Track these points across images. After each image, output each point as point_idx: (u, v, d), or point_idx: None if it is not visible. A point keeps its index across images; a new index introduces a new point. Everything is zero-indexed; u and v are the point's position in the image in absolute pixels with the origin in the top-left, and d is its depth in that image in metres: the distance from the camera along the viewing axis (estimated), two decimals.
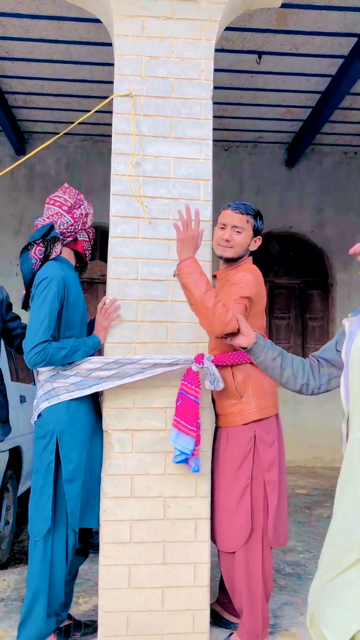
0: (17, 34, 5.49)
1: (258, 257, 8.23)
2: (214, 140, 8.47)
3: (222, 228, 2.71)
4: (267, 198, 8.02)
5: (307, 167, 8.08)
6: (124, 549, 2.51)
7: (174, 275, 2.37)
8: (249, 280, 2.54)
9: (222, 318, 2.08)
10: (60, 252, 2.53)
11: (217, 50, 5.64)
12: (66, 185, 2.71)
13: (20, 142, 7.66)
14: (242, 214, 2.69)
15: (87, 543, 2.66)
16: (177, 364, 2.48)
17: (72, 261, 2.66)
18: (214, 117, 6.89)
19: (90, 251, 2.77)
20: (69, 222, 2.57)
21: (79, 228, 2.61)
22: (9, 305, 2.92)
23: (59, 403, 2.45)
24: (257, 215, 2.74)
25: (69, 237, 2.60)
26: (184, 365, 2.48)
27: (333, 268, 8.12)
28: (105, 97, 6.58)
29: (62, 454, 2.42)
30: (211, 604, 2.75)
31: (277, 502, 2.56)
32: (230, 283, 2.58)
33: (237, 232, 2.67)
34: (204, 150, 2.71)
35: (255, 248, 2.77)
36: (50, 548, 2.41)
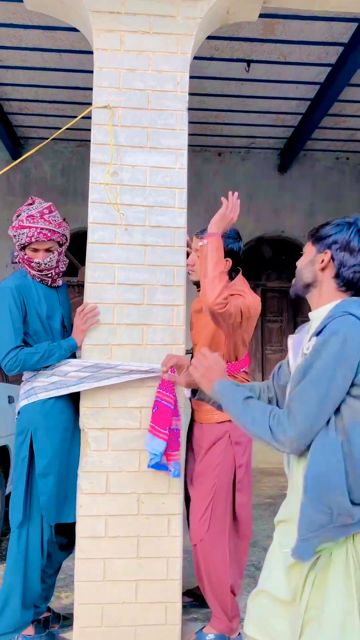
0: (10, 44, 5.61)
1: (251, 261, 8.30)
2: (207, 146, 8.61)
3: (190, 254, 2.85)
4: (260, 203, 8.13)
5: (299, 172, 8.18)
6: (99, 544, 2.61)
7: (200, 241, 2.55)
8: (244, 301, 2.61)
9: (220, 296, 2.38)
10: (20, 264, 2.70)
11: (206, 58, 5.78)
12: (36, 204, 2.76)
13: (17, 147, 7.78)
14: (198, 238, 2.76)
15: (72, 539, 2.72)
16: (153, 372, 2.59)
17: (30, 272, 2.72)
18: (207, 123, 7.09)
19: (32, 268, 2.72)
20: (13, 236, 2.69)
21: (20, 242, 2.66)
22: None
23: (36, 401, 2.56)
24: (223, 236, 2.65)
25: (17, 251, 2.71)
26: (156, 374, 2.59)
27: None
28: None
29: (36, 450, 2.54)
30: (194, 589, 2.89)
31: (245, 496, 2.67)
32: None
33: (197, 256, 2.74)
34: (179, 160, 2.81)
35: (226, 269, 2.68)
36: (25, 540, 2.52)
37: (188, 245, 2.90)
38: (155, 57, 2.85)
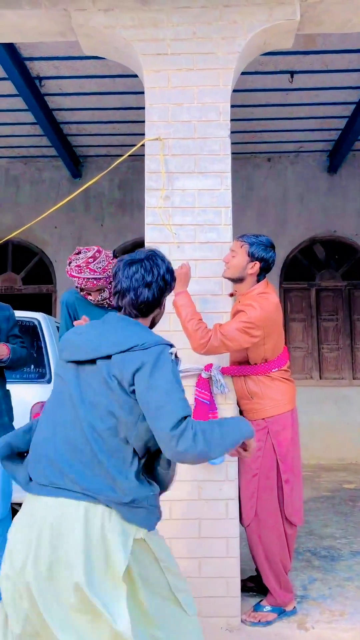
0: (68, 73, 6.09)
1: (304, 261, 8.59)
2: (256, 153, 8.89)
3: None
4: (311, 204, 8.32)
5: (349, 172, 8.30)
6: (165, 525, 2.95)
7: (173, 305, 2.87)
8: (253, 314, 2.83)
9: (198, 339, 2.75)
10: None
11: (252, 73, 6.06)
12: (82, 254, 3.16)
13: (76, 166, 8.30)
14: (237, 240, 3.02)
15: None
16: (189, 372, 2.94)
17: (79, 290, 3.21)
18: (255, 131, 7.35)
19: (89, 290, 3.18)
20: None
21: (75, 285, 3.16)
22: (15, 323, 3.29)
23: None
24: (255, 243, 2.97)
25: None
26: (195, 372, 2.93)
27: None
28: None
29: None
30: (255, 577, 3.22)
31: (291, 486, 2.94)
32: (239, 309, 2.93)
33: (232, 255, 2.99)
34: (224, 182, 3.13)
35: (253, 272, 2.98)
36: None
37: None
38: (199, 91, 3.19)
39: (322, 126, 7.40)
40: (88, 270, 3.04)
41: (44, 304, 8.45)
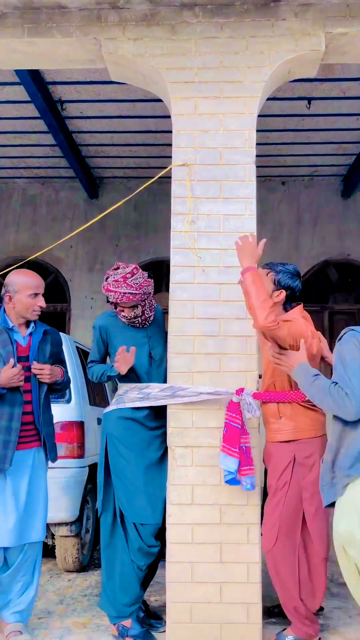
0: (89, 97, 6.21)
1: (317, 284, 8.57)
2: (271, 176, 8.96)
3: None
4: (325, 228, 8.37)
5: None
6: (186, 549, 2.96)
7: (238, 283, 2.83)
8: (290, 326, 2.83)
9: (267, 316, 2.66)
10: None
11: (268, 99, 6.14)
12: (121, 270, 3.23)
13: (93, 187, 8.40)
14: (263, 268, 3.05)
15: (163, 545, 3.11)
16: (219, 394, 2.96)
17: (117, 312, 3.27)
18: (271, 156, 7.44)
19: (123, 305, 3.20)
20: None
21: (110, 300, 3.23)
22: (61, 349, 3.38)
23: (115, 409, 3.17)
24: (283, 272, 3.01)
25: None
26: (224, 396, 2.95)
27: None
28: (168, 145, 7.19)
29: (109, 452, 3.14)
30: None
31: (320, 517, 2.90)
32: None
33: None
34: (249, 207, 3.18)
35: (279, 300, 3.01)
36: (108, 532, 3.17)
37: None
38: (225, 118, 3.25)
39: (337, 151, 7.48)
40: (125, 285, 3.09)
41: (58, 323, 8.49)
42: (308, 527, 2.92)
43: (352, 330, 2.30)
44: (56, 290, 8.65)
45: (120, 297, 3.10)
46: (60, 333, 4.49)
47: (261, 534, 2.99)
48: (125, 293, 3.08)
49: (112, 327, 3.23)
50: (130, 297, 3.09)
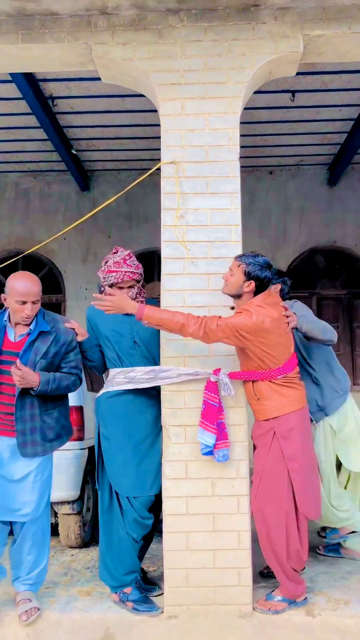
0: (79, 93, 6.37)
1: (305, 271, 8.86)
2: (259, 166, 9.16)
3: None
4: (312, 215, 8.59)
5: (348, 184, 8.57)
6: (182, 519, 3.20)
7: (145, 324, 3.09)
8: (245, 316, 3.05)
9: (192, 324, 3.02)
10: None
11: (255, 92, 6.32)
12: (120, 252, 3.45)
13: (84, 179, 8.57)
14: (235, 259, 3.19)
15: (157, 518, 3.39)
16: (198, 374, 3.20)
17: None
18: (258, 146, 7.63)
19: (123, 285, 3.38)
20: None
21: (108, 282, 3.38)
22: (72, 349, 3.37)
23: (104, 392, 3.40)
24: (252, 263, 3.14)
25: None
26: (203, 376, 3.18)
27: None
28: (156, 138, 7.36)
29: (101, 432, 3.40)
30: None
31: (303, 484, 3.16)
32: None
33: (230, 274, 3.18)
34: (234, 202, 3.39)
35: (248, 290, 3.16)
36: (107, 506, 3.39)
37: None
38: (210, 118, 3.45)
39: (322, 141, 7.68)
40: (126, 265, 3.35)
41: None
42: (295, 494, 3.17)
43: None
44: (51, 281, 8.84)
45: (122, 275, 3.32)
46: None
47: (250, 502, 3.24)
48: (126, 272, 3.33)
49: (98, 316, 3.39)
50: (131, 276, 3.34)
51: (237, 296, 3.23)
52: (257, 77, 3.57)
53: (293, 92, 6.30)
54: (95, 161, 8.37)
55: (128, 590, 3.26)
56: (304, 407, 3.24)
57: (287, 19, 3.48)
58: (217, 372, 3.19)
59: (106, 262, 3.41)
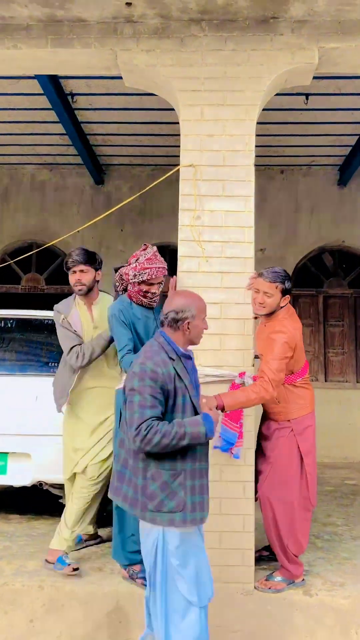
0: (99, 91, 6.55)
1: (313, 270, 9.04)
2: (270, 165, 9.29)
3: (256, 292, 3.38)
4: (321, 215, 8.75)
5: (358, 185, 8.72)
6: None
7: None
8: (283, 340, 3.23)
9: (266, 396, 3.09)
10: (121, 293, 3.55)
11: None
12: (149, 249, 3.50)
13: (99, 173, 8.75)
14: (270, 282, 3.32)
15: None
16: (224, 376, 3.39)
17: (132, 299, 3.51)
18: (270, 146, 7.79)
19: (145, 297, 3.46)
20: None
21: (140, 279, 3.41)
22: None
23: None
24: (284, 279, 3.34)
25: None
26: (229, 378, 3.37)
27: None
28: (171, 135, 7.54)
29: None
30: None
31: (313, 476, 3.40)
32: (270, 337, 3.29)
33: (268, 296, 3.33)
34: (248, 205, 3.58)
35: (285, 304, 3.42)
36: None
37: None
38: (228, 124, 3.64)
39: (334, 143, 7.83)
40: (157, 260, 3.41)
41: None
42: (308, 485, 3.40)
43: None
44: (64, 272, 9.01)
45: (155, 272, 3.36)
46: None
47: (256, 490, 3.45)
48: (159, 267, 3.38)
49: (125, 310, 3.49)
50: (163, 272, 3.40)
51: (269, 314, 3.39)
52: (273, 85, 3.75)
53: (307, 95, 6.45)
54: (110, 156, 8.55)
55: (138, 567, 3.47)
56: (314, 410, 3.49)
57: (303, 32, 3.65)
58: (242, 374, 3.37)
59: (137, 260, 3.43)
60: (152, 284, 3.45)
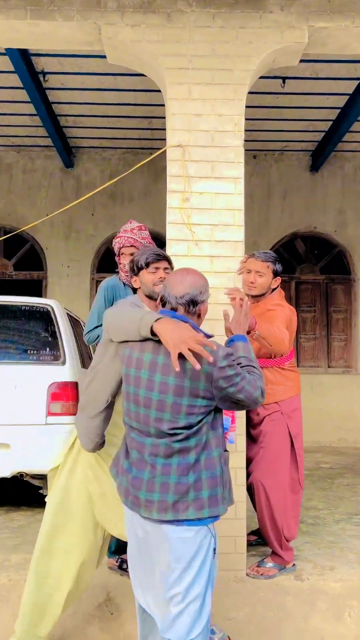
0: (71, 70, 6.35)
1: (285, 255, 9.10)
2: (244, 150, 9.07)
3: (248, 272, 3.38)
4: (293, 201, 8.76)
5: (330, 172, 8.76)
6: None
7: (253, 336, 2.97)
8: (285, 313, 3.29)
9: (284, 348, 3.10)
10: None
11: None
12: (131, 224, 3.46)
13: (69, 155, 8.53)
14: (262, 261, 3.35)
15: None
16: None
17: (121, 278, 3.51)
18: (245, 130, 7.69)
19: (122, 270, 3.46)
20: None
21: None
22: None
23: None
24: (276, 260, 3.39)
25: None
26: None
27: (355, 265, 8.81)
28: (145, 117, 7.40)
29: None
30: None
31: (302, 458, 3.39)
32: (269, 313, 3.29)
33: (260, 275, 3.36)
34: (237, 187, 3.50)
35: (276, 286, 3.45)
36: None
37: None
38: (216, 103, 3.54)
39: (308, 128, 7.83)
40: (129, 231, 3.40)
41: (35, 290, 8.69)
42: (299, 467, 3.39)
43: None
44: (33, 258, 8.82)
45: (124, 240, 3.38)
46: (53, 300, 4.78)
47: (248, 475, 3.41)
48: (128, 237, 3.37)
49: (117, 288, 3.48)
50: (131, 241, 3.37)
51: (260, 295, 3.40)
52: (262, 65, 3.66)
53: (284, 79, 6.40)
54: (81, 138, 8.34)
55: (126, 556, 3.40)
56: (299, 391, 3.47)
57: (293, 10, 3.57)
58: None
59: (124, 232, 3.44)
60: (122, 254, 3.42)
